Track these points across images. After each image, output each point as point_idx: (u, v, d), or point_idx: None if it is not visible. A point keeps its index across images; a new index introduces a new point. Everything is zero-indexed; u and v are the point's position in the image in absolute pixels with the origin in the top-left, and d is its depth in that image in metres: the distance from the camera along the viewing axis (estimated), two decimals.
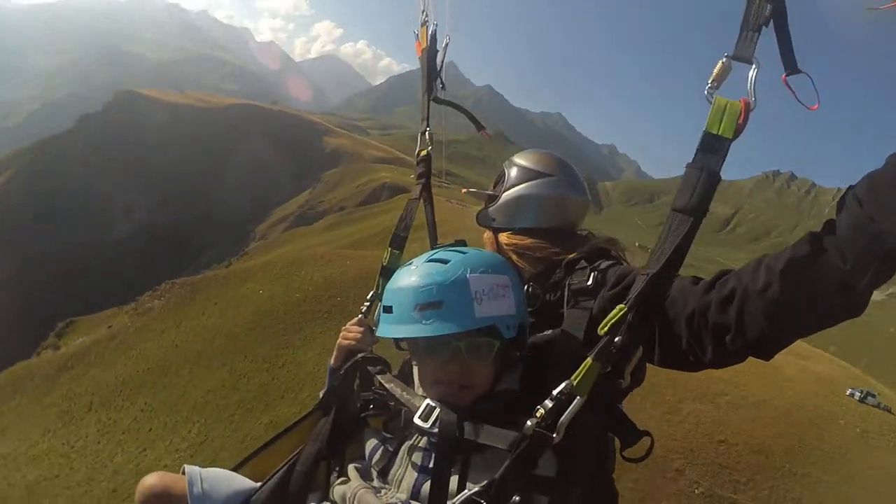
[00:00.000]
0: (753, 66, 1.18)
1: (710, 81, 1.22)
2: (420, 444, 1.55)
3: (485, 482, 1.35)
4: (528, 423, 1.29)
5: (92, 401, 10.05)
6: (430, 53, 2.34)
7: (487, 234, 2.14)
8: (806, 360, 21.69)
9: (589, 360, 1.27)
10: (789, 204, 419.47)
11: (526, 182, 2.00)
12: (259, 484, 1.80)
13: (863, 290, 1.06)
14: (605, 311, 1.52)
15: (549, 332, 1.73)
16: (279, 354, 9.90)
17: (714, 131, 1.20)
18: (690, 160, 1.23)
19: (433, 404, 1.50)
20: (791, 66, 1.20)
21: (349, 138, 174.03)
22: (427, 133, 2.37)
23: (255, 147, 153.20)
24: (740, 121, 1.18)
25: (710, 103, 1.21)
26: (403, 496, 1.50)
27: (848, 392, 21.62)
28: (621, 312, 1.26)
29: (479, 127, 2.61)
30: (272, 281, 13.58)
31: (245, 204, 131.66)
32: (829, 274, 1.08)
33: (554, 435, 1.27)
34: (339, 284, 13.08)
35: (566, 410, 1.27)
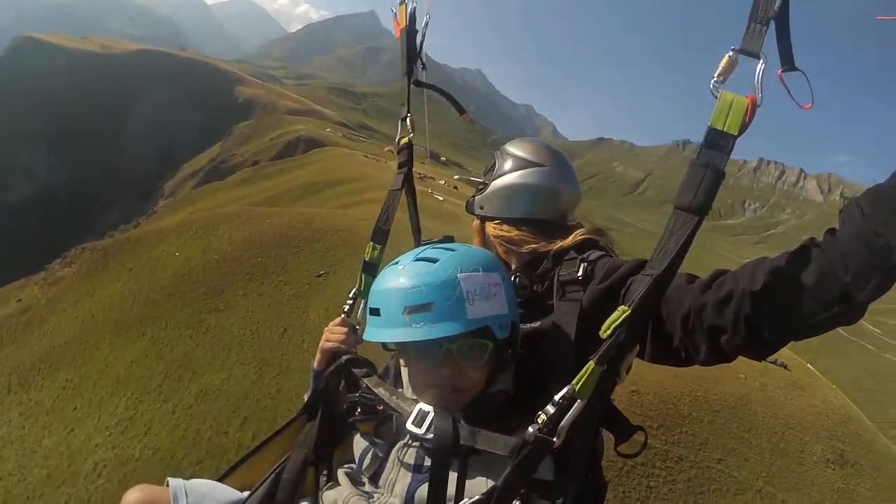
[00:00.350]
0: (761, 61, 1.15)
1: (715, 75, 1.19)
2: (412, 449, 1.52)
3: (485, 490, 1.33)
4: (530, 429, 1.27)
5: (10, 382, 9.26)
6: (409, 33, 2.23)
7: (475, 223, 2.13)
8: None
9: (592, 364, 1.23)
10: None
11: (517, 171, 1.97)
12: (246, 494, 1.77)
13: (862, 301, 1.07)
14: (595, 304, 1.60)
15: (538, 323, 1.74)
16: (202, 320, 9.66)
17: (719, 127, 1.17)
18: (695, 157, 1.21)
19: (426, 409, 1.47)
20: (789, 63, 1.20)
21: (263, 88, 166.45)
22: (408, 119, 2.26)
23: (161, 97, 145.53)
24: (746, 118, 1.15)
25: (716, 98, 1.18)
26: (397, 501, 1.47)
27: None
28: (625, 315, 1.21)
29: (461, 111, 2.52)
30: (188, 242, 13.01)
31: (152, 159, 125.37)
32: (830, 283, 1.09)
33: (554, 439, 1.25)
34: (259, 244, 12.71)
35: (567, 414, 1.25)
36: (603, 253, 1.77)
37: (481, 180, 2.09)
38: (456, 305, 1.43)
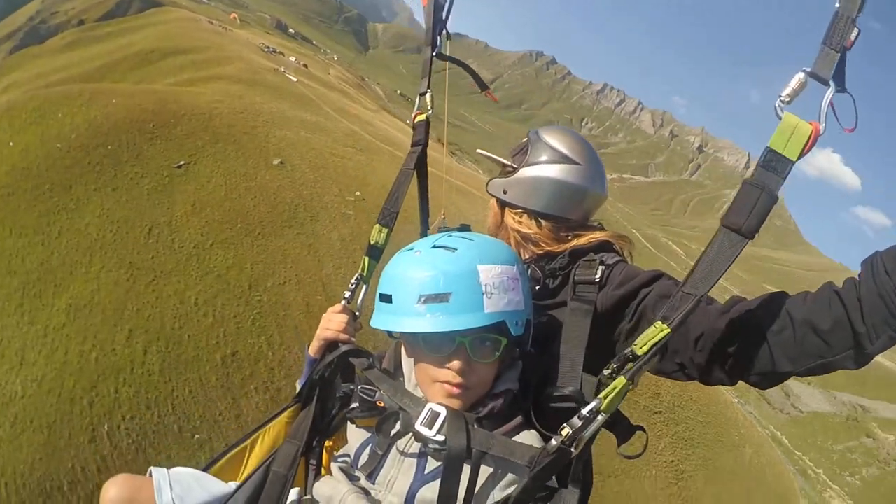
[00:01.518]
0: (830, 89, 1.14)
1: (783, 95, 1.16)
2: (415, 448, 1.46)
3: (500, 498, 1.32)
4: (553, 441, 1.24)
5: None
6: (436, 3, 2.08)
7: (494, 203, 2.03)
8: None
9: (622, 380, 1.20)
10: (544, 84, 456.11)
11: (551, 164, 1.87)
12: (233, 486, 1.68)
13: (872, 352, 1.13)
14: (608, 309, 1.62)
15: (547, 319, 1.72)
16: (52, 222, 8.70)
17: (779, 150, 1.15)
18: (749, 175, 1.19)
19: (437, 409, 1.40)
20: (840, 86, 1.18)
21: None
22: (428, 95, 2.09)
23: None
24: (807, 146, 1.14)
25: (780, 118, 1.16)
26: (396, 500, 1.42)
27: None
28: (664, 333, 1.19)
29: (484, 87, 2.39)
30: (23, 129, 11.38)
31: None
32: (845, 330, 1.15)
33: (573, 449, 1.24)
34: (107, 130, 11.55)
35: (590, 427, 1.23)
36: (620, 258, 1.78)
37: (509, 162, 1.98)
38: (474, 297, 1.37)
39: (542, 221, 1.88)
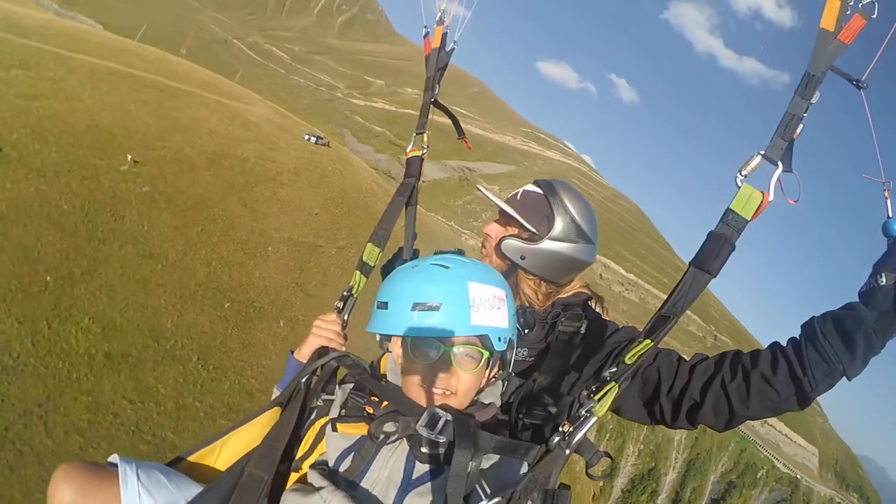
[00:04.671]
0: (779, 168, 1.34)
1: (741, 171, 1.36)
2: (400, 453, 1.47)
3: (501, 494, 1.34)
4: (555, 438, 1.38)
5: None
6: (440, 54, 2.27)
7: (493, 251, 2.06)
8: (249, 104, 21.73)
9: (614, 384, 1.40)
10: None
11: (572, 242, 1.99)
12: (205, 487, 1.58)
13: (813, 396, 1.43)
14: (586, 357, 1.83)
15: (532, 359, 1.91)
16: None
17: (738, 211, 1.35)
18: (714, 227, 1.38)
19: (439, 412, 1.42)
20: (787, 167, 1.38)
21: None
22: (425, 136, 2.29)
23: None
24: (759, 211, 1.34)
25: (738, 187, 1.36)
26: None
27: (305, 137, 27.11)
28: (648, 347, 1.40)
29: (461, 134, 2.53)
30: None
31: None
32: (790, 379, 1.45)
33: (567, 451, 1.37)
34: None
35: (584, 428, 1.38)
36: (598, 313, 1.99)
37: (531, 228, 2.01)
38: (462, 310, 1.46)
39: (543, 284, 2.02)
